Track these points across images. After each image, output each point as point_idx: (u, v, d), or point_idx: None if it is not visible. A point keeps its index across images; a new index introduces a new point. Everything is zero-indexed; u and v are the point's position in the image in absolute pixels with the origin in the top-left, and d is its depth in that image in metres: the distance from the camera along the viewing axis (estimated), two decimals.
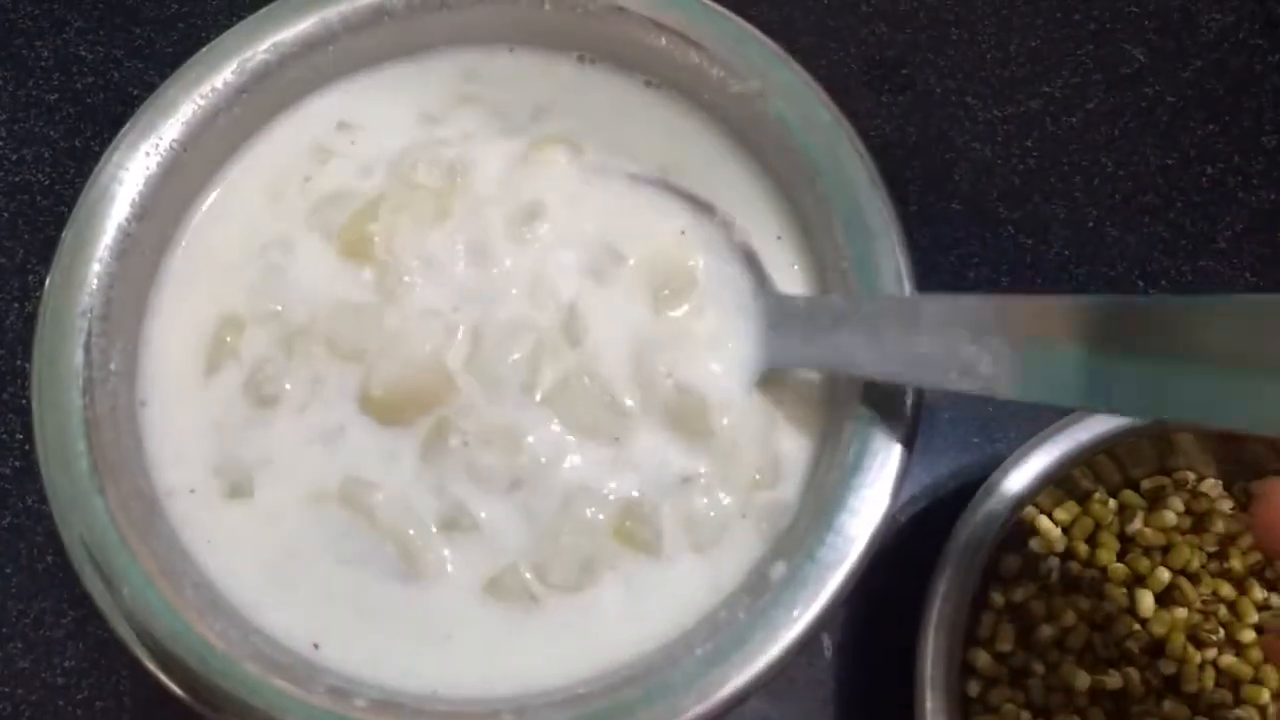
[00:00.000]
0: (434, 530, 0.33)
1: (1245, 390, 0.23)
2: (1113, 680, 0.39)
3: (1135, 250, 0.50)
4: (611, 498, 0.33)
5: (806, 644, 0.30)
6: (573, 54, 0.39)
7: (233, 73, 0.36)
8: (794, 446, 0.34)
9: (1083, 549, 0.41)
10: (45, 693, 0.44)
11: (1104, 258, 0.50)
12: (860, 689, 0.43)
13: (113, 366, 0.34)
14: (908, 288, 0.33)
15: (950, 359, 0.28)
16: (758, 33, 0.36)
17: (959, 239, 0.50)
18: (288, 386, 0.35)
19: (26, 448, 0.47)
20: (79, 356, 0.33)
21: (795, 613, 0.30)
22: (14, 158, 0.52)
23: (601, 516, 0.33)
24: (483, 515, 0.33)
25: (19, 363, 0.49)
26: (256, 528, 0.34)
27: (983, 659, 0.40)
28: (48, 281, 0.34)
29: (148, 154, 0.35)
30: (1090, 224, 0.50)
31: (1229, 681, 0.40)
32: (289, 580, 0.33)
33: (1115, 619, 0.40)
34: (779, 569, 0.31)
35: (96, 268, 0.34)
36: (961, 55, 0.53)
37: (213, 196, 0.38)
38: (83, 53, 0.54)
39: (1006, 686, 0.40)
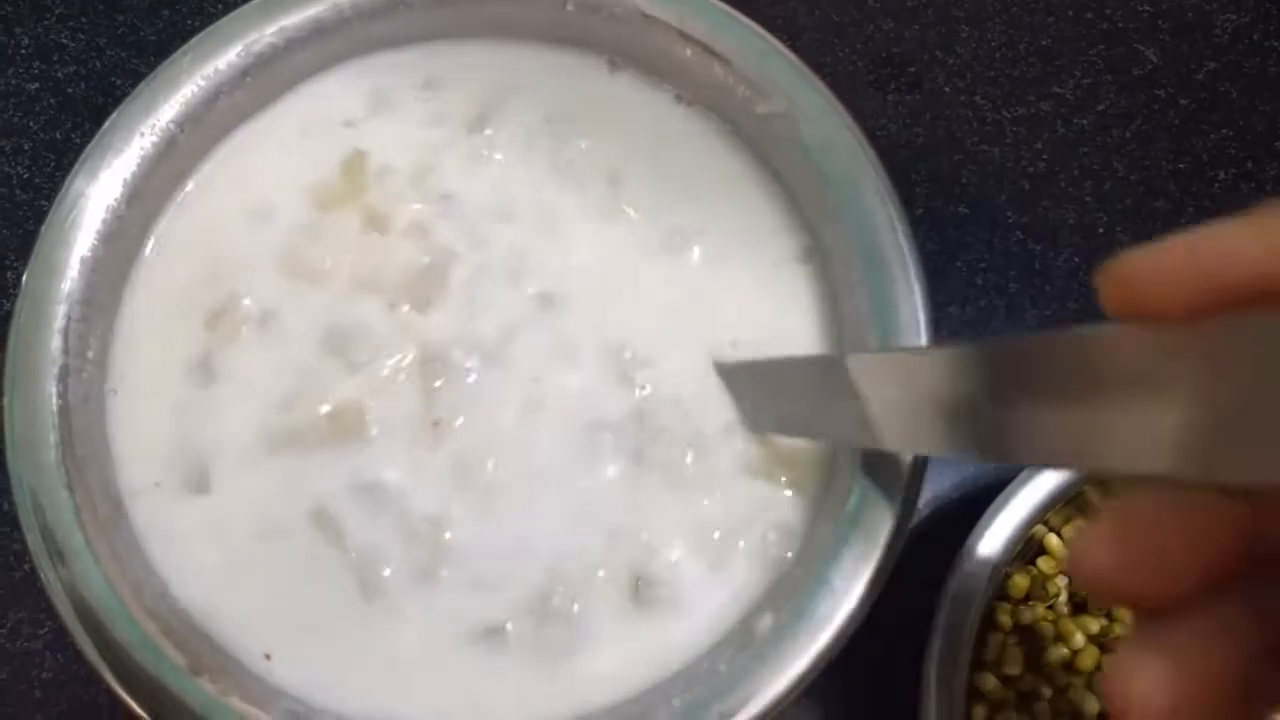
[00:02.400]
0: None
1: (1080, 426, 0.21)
2: None
3: None
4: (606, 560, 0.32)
5: (789, 701, 0.29)
6: (603, 58, 0.38)
7: (238, 54, 0.35)
8: (791, 504, 0.33)
9: None
10: (22, 706, 0.43)
11: None
12: (863, 711, 0.42)
13: (90, 354, 0.33)
14: (924, 336, 0.32)
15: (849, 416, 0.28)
16: (782, 48, 0.35)
17: (967, 244, 0.49)
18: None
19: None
20: (56, 342, 0.32)
21: (778, 669, 0.29)
22: None
23: (602, 573, 0.32)
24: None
25: None
26: (216, 524, 0.33)
27: (990, 682, 0.39)
28: (29, 266, 0.33)
29: (143, 134, 0.34)
30: (1100, 229, 0.49)
31: None
32: (245, 584, 0.32)
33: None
34: (765, 622, 0.30)
35: (83, 252, 0.33)
36: (971, 54, 0.52)
37: (202, 172, 0.37)
38: (64, 40, 0.52)
39: (1013, 710, 0.39)
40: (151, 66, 0.36)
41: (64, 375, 0.32)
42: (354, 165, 0.36)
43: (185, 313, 0.35)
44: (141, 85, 0.35)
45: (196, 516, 0.33)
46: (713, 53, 0.35)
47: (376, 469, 0.33)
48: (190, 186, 0.36)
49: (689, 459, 0.33)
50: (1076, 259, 0.49)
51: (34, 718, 0.43)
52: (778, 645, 0.29)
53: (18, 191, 0.50)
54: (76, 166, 0.34)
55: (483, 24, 0.37)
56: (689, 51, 0.35)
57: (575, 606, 0.32)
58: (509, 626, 0.31)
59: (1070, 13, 0.52)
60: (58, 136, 0.50)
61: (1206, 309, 0.18)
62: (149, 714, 0.29)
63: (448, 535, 0.32)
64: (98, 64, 0.52)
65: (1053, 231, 0.49)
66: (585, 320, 0.34)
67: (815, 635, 0.29)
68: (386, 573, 0.32)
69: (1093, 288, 0.52)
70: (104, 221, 0.33)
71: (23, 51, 0.52)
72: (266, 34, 0.35)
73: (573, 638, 0.32)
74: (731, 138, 0.37)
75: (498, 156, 0.37)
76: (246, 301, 0.35)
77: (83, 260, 0.33)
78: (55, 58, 0.52)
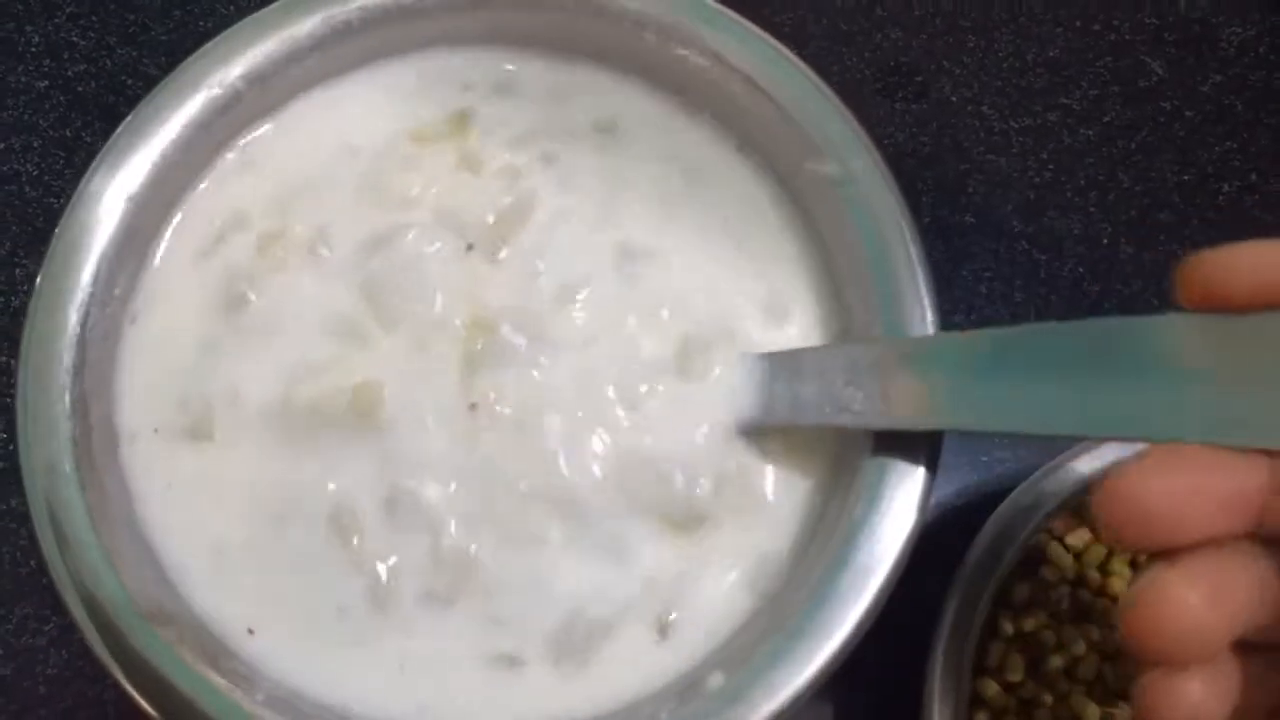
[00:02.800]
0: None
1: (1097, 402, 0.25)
2: (1122, 713, 0.39)
3: (1150, 268, 0.49)
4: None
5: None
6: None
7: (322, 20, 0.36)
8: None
9: (1095, 577, 0.41)
10: (26, 701, 0.43)
11: (1118, 275, 0.49)
12: (865, 717, 0.42)
13: (116, 291, 0.33)
14: None
15: (826, 399, 0.31)
16: (841, 105, 0.35)
17: (972, 253, 0.49)
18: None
19: (11, 448, 0.46)
20: (87, 273, 0.32)
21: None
22: (1, 147, 0.50)
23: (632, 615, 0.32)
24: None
25: (4, 359, 0.47)
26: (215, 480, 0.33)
27: (991, 689, 0.39)
28: (76, 194, 0.34)
29: (210, 88, 0.35)
30: (1105, 240, 0.49)
31: None
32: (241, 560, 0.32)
33: (1127, 649, 0.39)
34: (715, 680, 0.29)
35: (132, 189, 0.33)
36: (978, 64, 0.52)
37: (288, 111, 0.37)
38: (74, 38, 0.52)
39: (1014, 717, 0.39)
40: (162, 66, 0.37)
41: (88, 304, 0.32)
42: (462, 118, 0.37)
43: (232, 237, 0.35)
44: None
45: (193, 468, 0.33)
46: (773, 100, 0.35)
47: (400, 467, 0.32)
48: (267, 127, 0.37)
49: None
50: (1081, 269, 0.49)
51: (38, 713, 0.43)
52: (721, 707, 0.29)
53: (27, 189, 0.50)
54: (146, 99, 0.35)
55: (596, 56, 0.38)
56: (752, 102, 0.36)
57: (598, 643, 0.32)
58: (524, 656, 0.31)
59: (1077, 24, 0.53)
60: (67, 134, 0.51)
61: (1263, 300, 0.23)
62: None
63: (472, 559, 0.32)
64: (108, 62, 0.52)
65: (1058, 242, 0.49)
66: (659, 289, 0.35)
67: (762, 703, 0.29)
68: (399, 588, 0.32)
69: (1095, 297, 0.52)
70: (155, 165, 0.34)
71: (33, 49, 0.52)
72: None
73: (591, 663, 0.32)
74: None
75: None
76: (302, 227, 0.35)
77: (130, 199, 0.33)
78: (65, 56, 0.52)
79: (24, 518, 0.45)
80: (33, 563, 0.44)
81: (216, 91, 0.35)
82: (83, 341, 0.32)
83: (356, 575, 0.32)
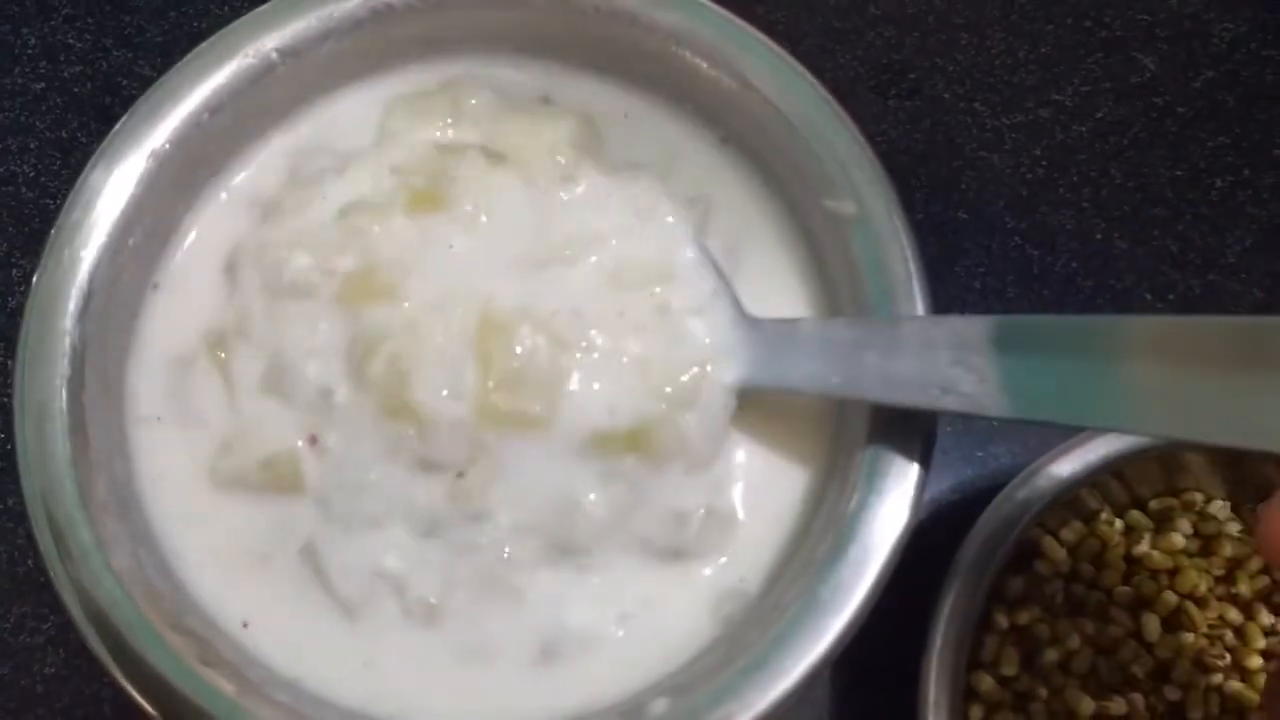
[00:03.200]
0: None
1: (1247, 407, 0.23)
2: (1117, 706, 0.39)
3: (1143, 263, 0.49)
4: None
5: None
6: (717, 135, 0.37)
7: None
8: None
9: (1088, 571, 0.41)
10: (24, 700, 0.43)
11: (1112, 270, 0.49)
12: (860, 711, 0.42)
13: (131, 242, 0.33)
14: None
15: (931, 378, 0.28)
16: (866, 146, 0.34)
17: (965, 249, 0.49)
18: None
19: (8, 448, 0.46)
20: (112, 220, 0.33)
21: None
22: None
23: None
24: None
25: (1, 359, 0.47)
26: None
27: (986, 682, 0.39)
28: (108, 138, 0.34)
29: (246, 56, 0.35)
30: (1098, 235, 0.49)
31: (1235, 707, 0.39)
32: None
33: (1121, 643, 0.40)
34: (659, 706, 0.29)
35: (162, 147, 0.34)
36: (970, 61, 0.52)
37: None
38: (70, 40, 0.52)
39: (1009, 711, 0.39)
40: (157, 68, 0.37)
41: (106, 251, 0.32)
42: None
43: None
44: None
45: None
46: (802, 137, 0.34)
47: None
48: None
49: None
50: (1074, 264, 0.49)
51: (36, 712, 0.43)
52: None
53: (24, 189, 0.50)
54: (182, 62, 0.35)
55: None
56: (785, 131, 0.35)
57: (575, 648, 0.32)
58: (501, 662, 0.32)
59: (1069, 21, 0.53)
60: (64, 135, 0.51)
61: None
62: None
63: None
64: (104, 64, 0.52)
65: (1050, 237, 0.49)
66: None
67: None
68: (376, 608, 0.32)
69: (1089, 293, 0.52)
70: (184, 123, 0.34)
71: (29, 51, 0.52)
72: None
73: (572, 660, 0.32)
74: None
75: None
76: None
77: (153, 156, 0.34)
78: (62, 58, 0.52)
79: (21, 517, 0.44)
80: (30, 562, 0.45)
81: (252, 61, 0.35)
82: (91, 292, 0.32)
83: None
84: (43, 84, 0.52)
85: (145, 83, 0.36)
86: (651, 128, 0.37)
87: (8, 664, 0.43)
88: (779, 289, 0.36)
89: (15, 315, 0.48)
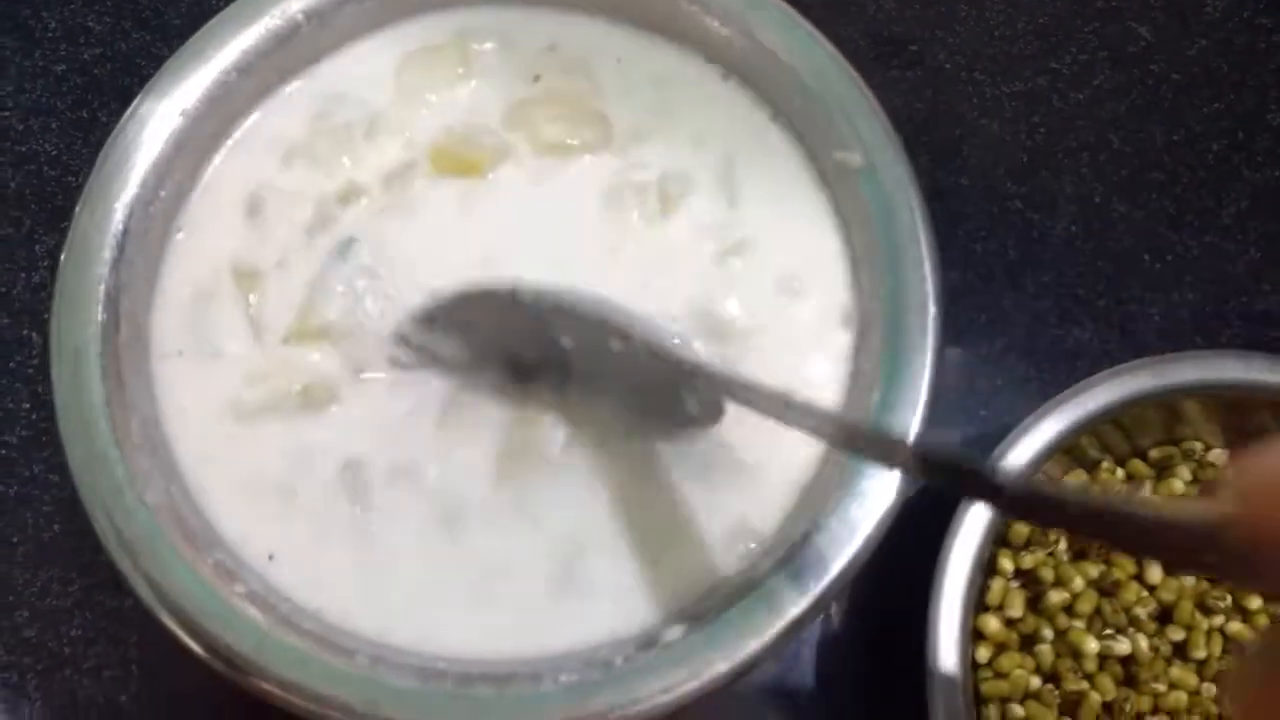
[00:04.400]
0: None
1: None
2: (1121, 646, 0.40)
3: (1141, 225, 0.50)
4: None
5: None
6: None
7: None
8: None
9: None
10: (52, 662, 0.44)
11: (1111, 233, 0.50)
12: (869, 653, 0.43)
13: (162, 193, 0.35)
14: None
15: None
16: (874, 102, 0.37)
17: (967, 214, 0.50)
18: None
19: (34, 417, 0.47)
20: (139, 174, 0.34)
21: (665, 687, 0.29)
22: (21, 128, 0.52)
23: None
24: None
25: (26, 332, 0.48)
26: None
27: (992, 625, 0.40)
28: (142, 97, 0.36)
29: (271, 16, 0.36)
30: (1097, 199, 0.50)
31: (1236, 647, 0.40)
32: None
33: (1123, 585, 0.40)
34: (673, 633, 0.30)
35: (190, 104, 0.35)
36: (969, 31, 0.53)
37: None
38: (90, 23, 0.54)
39: (1016, 652, 0.40)
40: (175, 50, 0.37)
41: (136, 205, 0.34)
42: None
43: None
44: None
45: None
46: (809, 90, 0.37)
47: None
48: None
49: None
50: (1073, 228, 0.50)
51: (63, 673, 0.44)
52: (674, 656, 0.30)
53: (46, 168, 0.51)
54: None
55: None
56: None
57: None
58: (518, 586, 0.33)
59: None
60: (84, 115, 0.52)
61: None
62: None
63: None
64: (123, 46, 0.53)
65: (1050, 201, 0.50)
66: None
67: (716, 661, 0.30)
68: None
69: (1088, 255, 0.52)
70: (215, 81, 0.36)
71: (50, 34, 0.53)
72: None
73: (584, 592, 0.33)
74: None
75: None
76: None
77: (184, 114, 0.35)
78: (81, 40, 0.53)
79: (47, 484, 0.46)
80: (56, 527, 0.45)
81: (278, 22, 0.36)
82: (125, 235, 0.33)
83: None
84: (63, 65, 0.53)
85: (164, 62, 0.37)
86: (681, 82, 0.39)
87: (35, 626, 0.44)
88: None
89: (39, 290, 0.49)
